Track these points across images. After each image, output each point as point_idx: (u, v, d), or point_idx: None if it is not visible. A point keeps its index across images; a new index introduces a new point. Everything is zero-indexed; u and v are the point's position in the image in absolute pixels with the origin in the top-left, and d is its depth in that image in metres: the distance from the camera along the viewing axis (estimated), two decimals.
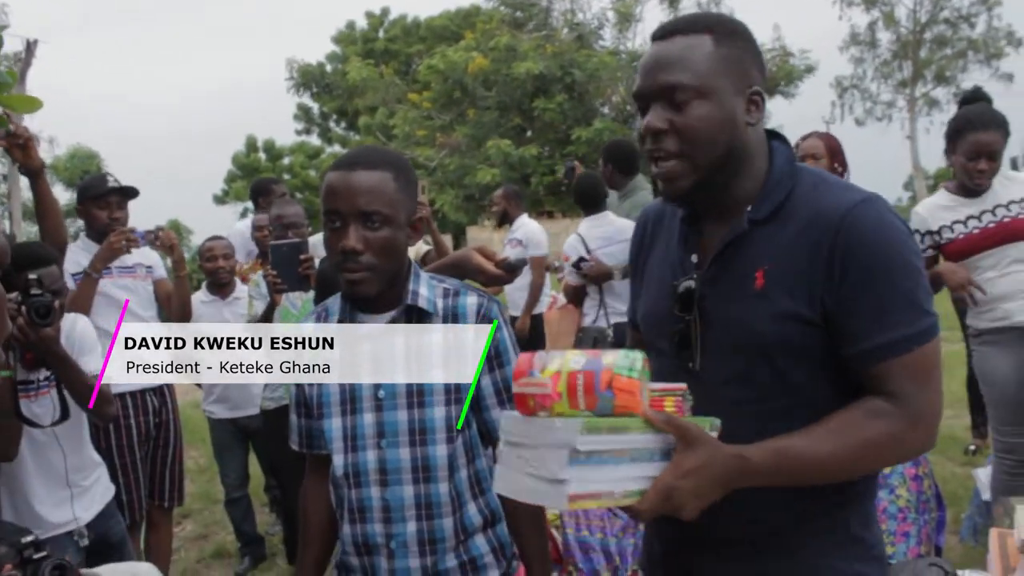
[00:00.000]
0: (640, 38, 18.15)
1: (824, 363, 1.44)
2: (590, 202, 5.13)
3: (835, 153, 3.85)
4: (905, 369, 1.39)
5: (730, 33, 1.50)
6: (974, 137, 3.55)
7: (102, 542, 2.98)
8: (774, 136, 1.57)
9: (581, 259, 4.84)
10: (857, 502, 1.53)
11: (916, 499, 3.26)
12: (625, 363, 1.31)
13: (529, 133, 18.55)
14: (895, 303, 1.40)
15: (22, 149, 3.23)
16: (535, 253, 6.42)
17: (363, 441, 1.83)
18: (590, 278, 4.87)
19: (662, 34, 1.52)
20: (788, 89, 17.46)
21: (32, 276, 2.62)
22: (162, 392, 4.06)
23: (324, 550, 1.98)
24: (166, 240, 4.01)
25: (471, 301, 1.87)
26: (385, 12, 36.74)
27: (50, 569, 1.76)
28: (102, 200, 3.93)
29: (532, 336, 6.42)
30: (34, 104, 2.22)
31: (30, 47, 13.20)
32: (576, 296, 5.03)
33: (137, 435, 3.88)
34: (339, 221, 1.76)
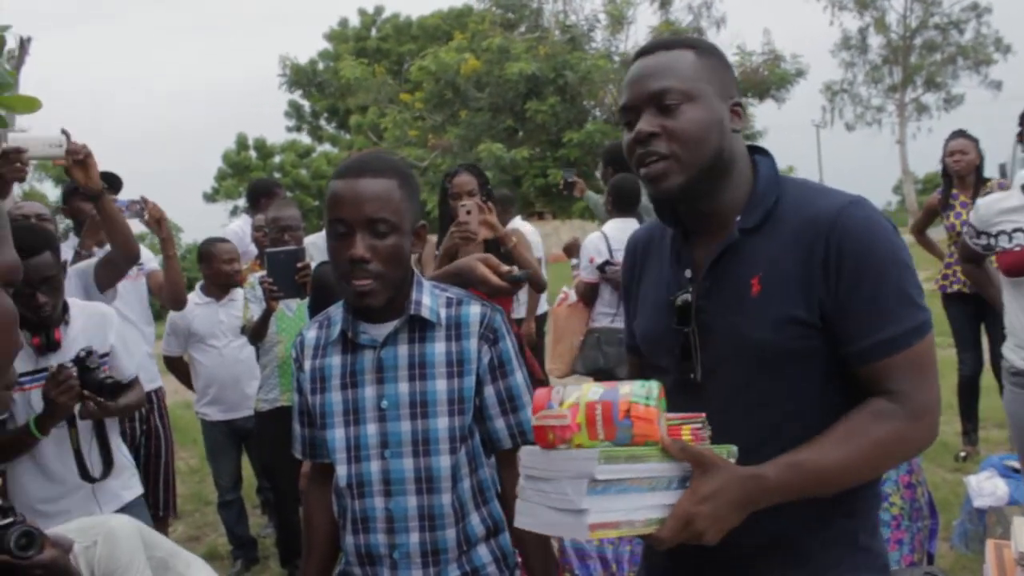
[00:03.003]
0: (632, 40, 18.20)
1: (824, 366, 1.47)
2: (625, 204, 4.94)
3: None
4: (904, 365, 1.42)
5: (709, 50, 1.58)
6: None
7: None
8: (757, 151, 1.61)
9: (607, 263, 4.76)
10: (864, 512, 1.55)
11: (909, 507, 3.28)
12: (642, 392, 1.33)
13: (521, 135, 18.54)
14: (890, 300, 1.43)
15: (82, 168, 3.07)
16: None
17: (367, 452, 1.82)
18: (614, 283, 4.79)
19: (645, 51, 1.58)
20: (779, 94, 17.51)
21: (82, 353, 2.66)
22: (148, 398, 3.97)
23: (327, 559, 1.98)
24: (154, 213, 3.65)
25: (474, 311, 1.87)
26: (379, 10, 36.69)
27: (16, 536, 1.71)
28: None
29: (539, 338, 6.43)
30: (33, 104, 2.20)
31: (23, 44, 13.08)
32: (589, 294, 4.96)
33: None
34: (345, 229, 1.75)
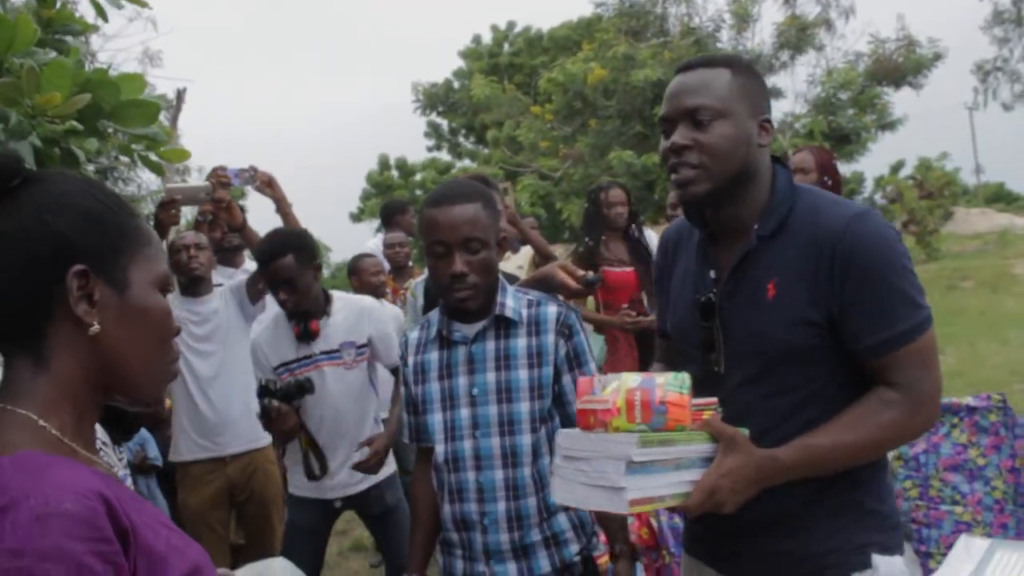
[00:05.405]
0: (758, 38, 17.87)
1: (831, 360, 1.65)
2: None
3: (824, 167, 3.73)
4: (907, 358, 1.59)
5: (744, 69, 1.73)
6: None
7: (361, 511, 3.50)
8: (775, 160, 1.77)
9: None
10: (869, 481, 1.71)
11: (1013, 490, 3.32)
12: (676, 382, 1.53)
13: (651, 140, 18.57)
14: (893, 302, 1.59)
15: (227, 210, 3.83)
16: None
17: (460, 432, 2.12)
18: None
19: (686, 67, 1.75)
20: (916, 80, 16.78)
21: (262, 382, 3.16)
22: None
23: (432, 530, 2.27)
24: (262, 177, 3.92)
25: (551, 310, 2.14)
26: (511, 26, 37.24)
27: None
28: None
29: None
30: (184, 155, 2.59)
31: (180, 95, 14.20)
32: None
33: None
34: (444, 249, 2.06)
